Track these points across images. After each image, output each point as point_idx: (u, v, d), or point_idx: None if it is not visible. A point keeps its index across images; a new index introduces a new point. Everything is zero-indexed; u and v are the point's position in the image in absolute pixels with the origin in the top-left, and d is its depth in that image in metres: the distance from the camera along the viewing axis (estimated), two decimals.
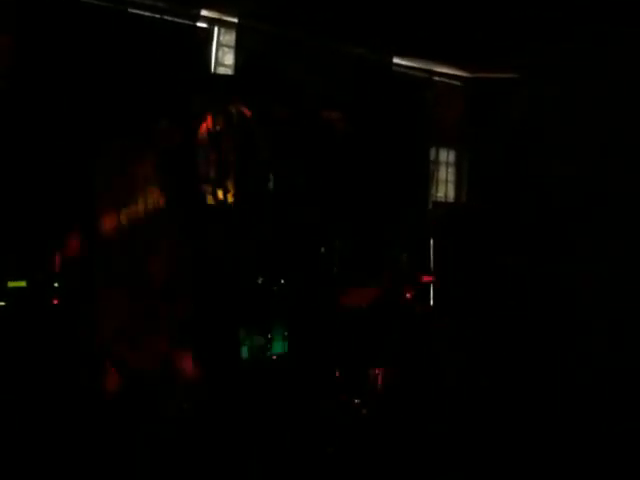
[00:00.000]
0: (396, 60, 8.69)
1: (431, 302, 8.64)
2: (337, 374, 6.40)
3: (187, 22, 7.01)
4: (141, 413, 5.17)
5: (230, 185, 6.87)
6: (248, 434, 5.28)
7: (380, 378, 6.46)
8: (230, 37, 7.39)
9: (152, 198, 6.48)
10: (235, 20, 7.32)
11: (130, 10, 6.67)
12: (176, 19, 6.93)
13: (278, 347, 6.76)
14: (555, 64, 8.12)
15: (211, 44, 7.28)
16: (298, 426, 5.61)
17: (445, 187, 9.48)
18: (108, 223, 6.10)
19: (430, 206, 9.15)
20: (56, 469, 4.53)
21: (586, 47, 7.59)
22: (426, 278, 7.83)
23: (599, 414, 6.01)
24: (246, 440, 5.20)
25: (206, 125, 6.86)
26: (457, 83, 9.35)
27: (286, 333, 6.80)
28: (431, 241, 8.79)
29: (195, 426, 5.23)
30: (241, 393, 5.76)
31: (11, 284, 5.59)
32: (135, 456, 4.71)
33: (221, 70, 7.40)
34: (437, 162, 9.33)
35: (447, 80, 9.30)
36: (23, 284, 5.66)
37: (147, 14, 6.77)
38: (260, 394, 5.89)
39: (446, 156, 9.46)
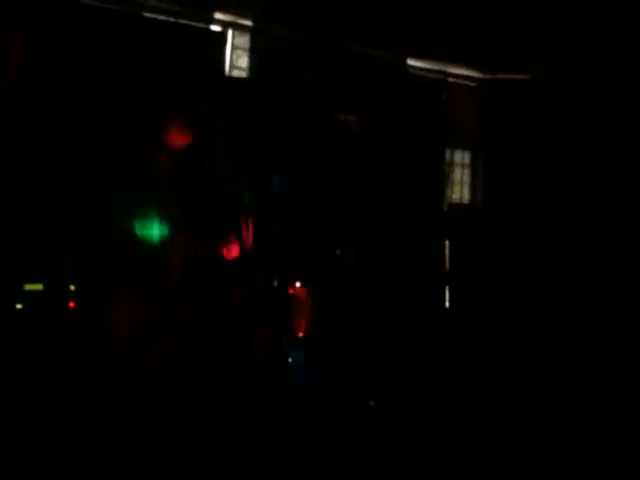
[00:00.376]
0: (411, 62, 8.67)
1: (447, 303, 8.62)
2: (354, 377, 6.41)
3: (201, 25, 7.03)
4: (153, 411, 5.21)
5: (246, 187, 6.90)
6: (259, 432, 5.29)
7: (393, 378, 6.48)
8: (244, 40, 7.40)
9: (167, 200, 6.52)
10: (249, 23, 7.33)
11: (145, 14, 6.70)
12: (191, 22, 6.94)
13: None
14: (574, 65, 8.10)
15: (225, 47, 7.28)
16: (315, 427, 5.61)
17: (460, 189, 9.44)
18: (123, 225, 6.15)
19: (446, 208, 9.12)
20: (70, 464, 4.55)
21: (603, 48, 7.57)
22: None
23: (603, 414, 5.99)
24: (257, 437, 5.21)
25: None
26: (472, 84, 9.32)
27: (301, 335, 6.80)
28: (447, 242, 8.77)
29: (208, 423, 5.27)
30: (254, 393, 5.78)
31: (28, 287, 5.62)
32: (149, 451, 4.74)
33: (235, 73, 7.41)
34: (452, 164, 9.30)
35: (462, 81, 9.27)
36: (40, 287, 5.68)
37: (162, 18, 6.79)
38: (273, 395, 5.90)
39: (461, 158, 9.42)
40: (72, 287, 5.84)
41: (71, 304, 5.76)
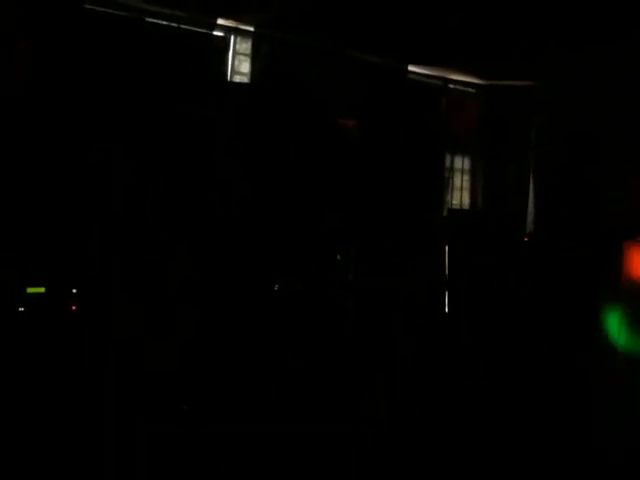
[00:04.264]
0: (411, 68, 8.72)
1: (446, 309, 8.64)
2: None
3: (204, 31, 7.07)
4: (155, 412, 5.24)
5: (246, 189, 6.94)
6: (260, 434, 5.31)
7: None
8: (246, 45, 7.44)
9: (168, 202, 6.56)
10: (251, 28, 7.37)
11: (147, 19, 6.74)
12: (193, 28, 6.98)
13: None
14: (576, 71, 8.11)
15: (227, 52, 7.32)
16: (312, 432, 5.63)
17: (460, 194, 9.48)
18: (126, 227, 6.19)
19: (445, 213, 9.15)
20: (73, 468, 4.57)
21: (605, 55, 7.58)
22: None
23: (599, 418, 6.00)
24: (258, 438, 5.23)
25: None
26: (472, 90, 9.37)
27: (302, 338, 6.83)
28: (446, 248, 8.79)
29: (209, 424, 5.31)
30: (256, 395, 5.81)
31: (30, 290, 5.65)
32: (150, 453, 4.76)
33: (237, 78, 7.45)
34: (452, 169, 9.34)
35: (462, 87, 9.32)
36: (42, 290, 5.71)
37: (164, 23, 6.83)
38: (275, 397, 5.93)
39: (461, 163, 9.46)
40: (74, 290, 5.86)
41: (73, 307, 5.79)
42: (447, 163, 9.28)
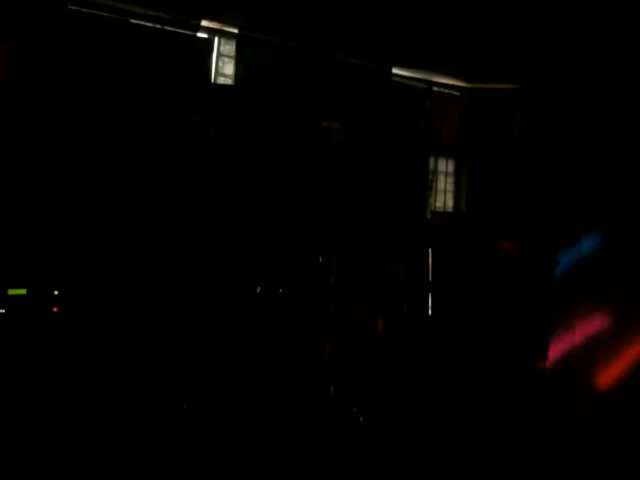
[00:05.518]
0: (395, 70, 8.74)
1: (429, 312, 8.65)
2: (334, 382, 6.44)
3: (188, 32, 7.07)
4: (138, 415, 5.24)
5: (230, 192, 6.94)
6: (245, 438, 5.32)
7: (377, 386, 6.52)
8: (230, 47, 7.45)
9: (153, 205, 6.55)
10: (235, 30, 7.37)
11: (132, 21, 6.73)
12: (177, 29, 6.98)
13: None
14: (557, 75, 8.14)
15: (211, 54, 7.33)
16: (297, 435, 5.64)
17: (444, 197, 9.52)
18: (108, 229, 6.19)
19: (429, 216, 9.17)
20: (57, 471, 4.57)
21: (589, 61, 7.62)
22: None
23: None
24: (243, 443, 5.24)
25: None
26: (456, 93, 9.41)
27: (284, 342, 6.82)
28: (430, 251, 8.80)
29: (193, 427, 5.32)
30: (238, 399, 5.81)
31: (11, 292, 5.64)
32: (135, 455, 4.77)
33: (221, 80, 7.45)
34: (436, 172, 9.37)
35: (446, 90, 9.35)
36: (23, 292, 5.70)
37: (148, 25, 6.82)
38: (257, 402, 5.93)
39: (445, 166, 9.50)
40: (56, 292, 5.85)
41: (55, 309, 5.78)
42: (431, 165, 9.32)
